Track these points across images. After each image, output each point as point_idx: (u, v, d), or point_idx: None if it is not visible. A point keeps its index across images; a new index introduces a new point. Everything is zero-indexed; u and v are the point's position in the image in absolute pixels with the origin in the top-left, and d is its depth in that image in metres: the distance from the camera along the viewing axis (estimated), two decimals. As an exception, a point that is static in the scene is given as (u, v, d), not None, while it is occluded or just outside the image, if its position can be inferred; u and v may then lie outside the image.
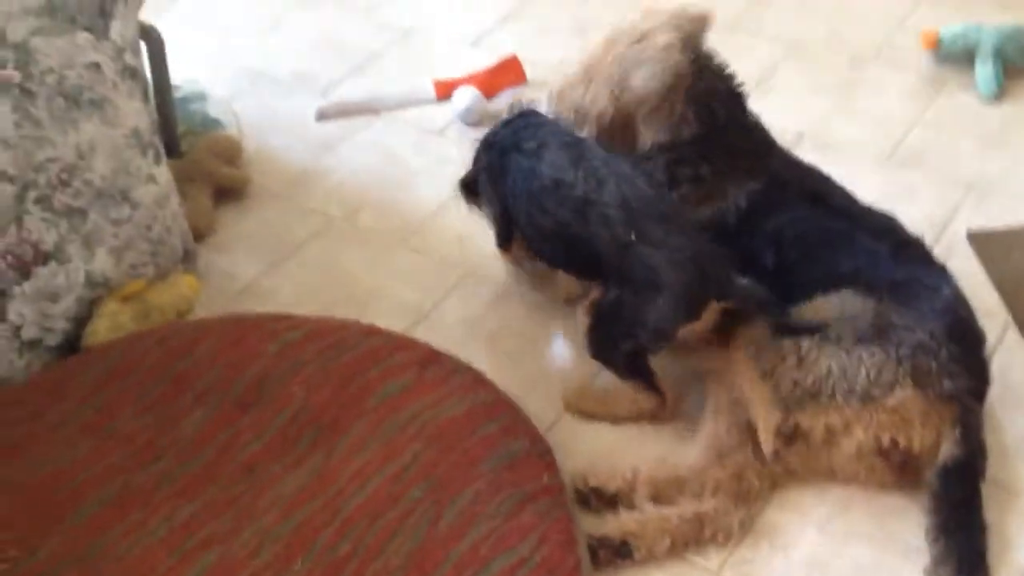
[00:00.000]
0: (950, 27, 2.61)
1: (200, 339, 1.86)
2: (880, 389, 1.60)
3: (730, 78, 1.95)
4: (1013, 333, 1.93)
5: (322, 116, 2.60)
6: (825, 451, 1.66)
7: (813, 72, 2.63)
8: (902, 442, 1.60)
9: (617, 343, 1.74)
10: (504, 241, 2.00)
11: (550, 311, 2.06)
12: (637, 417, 1.82)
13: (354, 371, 1.79)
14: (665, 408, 1.81)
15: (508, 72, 2.66)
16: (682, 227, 1.71)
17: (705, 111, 1.89)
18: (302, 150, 2.50)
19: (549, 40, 2.83)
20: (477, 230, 2.25)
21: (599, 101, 1.95)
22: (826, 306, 1.71)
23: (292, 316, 1.93)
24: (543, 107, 2.07)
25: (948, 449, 1.58)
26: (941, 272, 1.79)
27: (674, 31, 1.90)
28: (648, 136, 1.95)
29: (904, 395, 1.59)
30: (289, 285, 2.15)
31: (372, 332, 1.88)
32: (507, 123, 1.98)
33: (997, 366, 1.77)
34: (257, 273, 2.18)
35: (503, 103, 2.56)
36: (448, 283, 2.14)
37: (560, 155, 1.81)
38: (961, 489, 1.58)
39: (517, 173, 1.86)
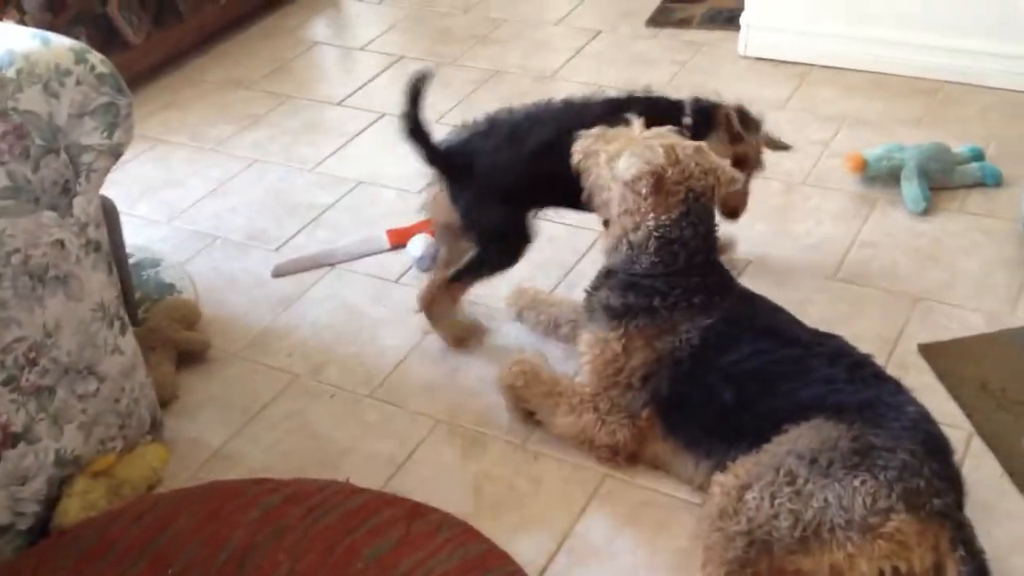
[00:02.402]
0: (873, 150, 2.76)
1: (176, 512, 1.82)
2: (877, 517, 1.60)
3: (710, 232, 2.01)
4: (977, 442, 1.99)
5: (278, 273, 2.62)
6: None
7: (753, 198, 2.74)
8: (903, 568, 1.60)
9: None
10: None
11: (527, 453, 2.07)
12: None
13: (339, 533, 1.76)
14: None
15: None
16: None
17: (668, 253, 1.96)
18: (261, 309, 2.51)
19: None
20: (444, 377, 2.27)
21: (602, 166, 2.02)
22: (804, 435, 1.73)
23: (270, 479, 1.90)
24: None
25: (958, 570, 1.60)
26: (898, 388, 1.85)
27: (690, 161, 1.97)
28: (614, 234, 2.01)
29: (900, 520, 1.60)
30: (258, 448, 2.13)
31: (354, 491, 1.86)
32: None
33: (967, 477, 1.81)
34: (224, 438, 2.15)
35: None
36: (421, 432, 2.14)
37: None
38: None
39: None
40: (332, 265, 2.63)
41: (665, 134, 2.00)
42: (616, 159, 1.97)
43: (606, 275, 2.05)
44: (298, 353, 2.37)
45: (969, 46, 3.13)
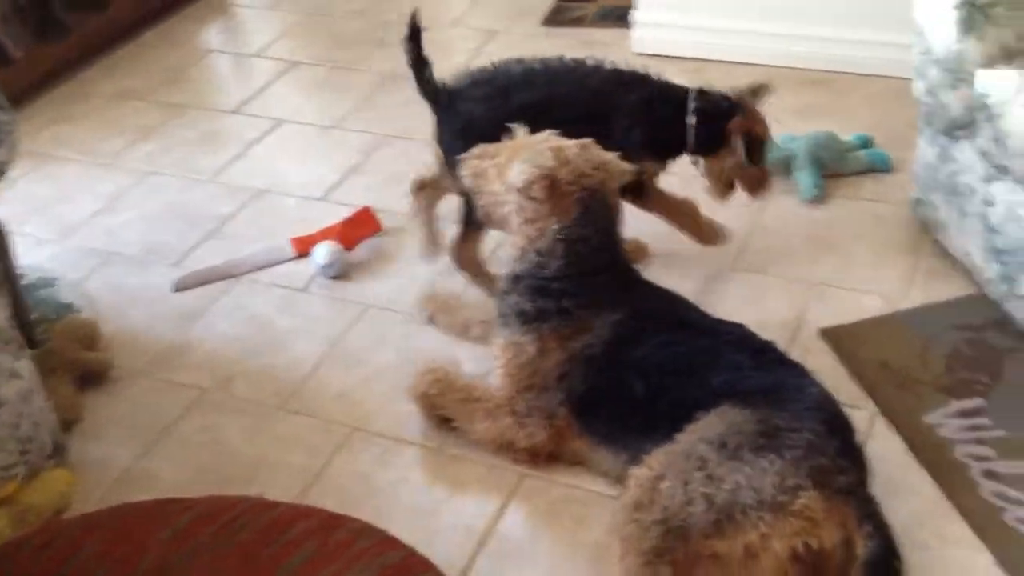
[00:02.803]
0: (767, 141, 2.83)
1: (84, 538, 1.75)
2: (786, 495, 1.64)
3: (611, 227, 2.04)
4: (881, 422, 2.06)
5: (180, 287, 2.56)
6: (743, 570, 1.69)
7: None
8: (814, 544, 1.65)
9: None
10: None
11: (443, 457, 2.06)
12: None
13: (255, 548, 1.72)
14: None
15: (363, 223, 2.70)
16: None
17: (574, 254, 1.97)
18: (163, 325, 2.45)
19: (398, 188, 2.89)
20: (357, 384, 2.24)
21: (495, 180, 2.03)
22: (713, 422, 1.77)
23: (181, 499, 1.84)
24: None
25: (865, 544, 1.65)
26: (801, 371, 1.91)
27: (581, 161, 1.98)
28: (519, 244, 2.02)
29: (808, 497, 1.65)
30: (169, 466, 2.08)
31: (268, 505, 1.82)
32: None
33: (871, 455, 1.87)
34: (133, 458, 2.10)
35: (363, 254, 2.63)
36: (335, 441, 2.11)
37: None
38: None
39: None
40: (236, 276, 2.59)
41: (550, 137, 2.02)
42: (506, 170, 1.99)
43: (515, 280, 2.05)
44: (205, 367, 2.32)
45: (855, 36, 3.24)
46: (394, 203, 2.82)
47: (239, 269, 2.60)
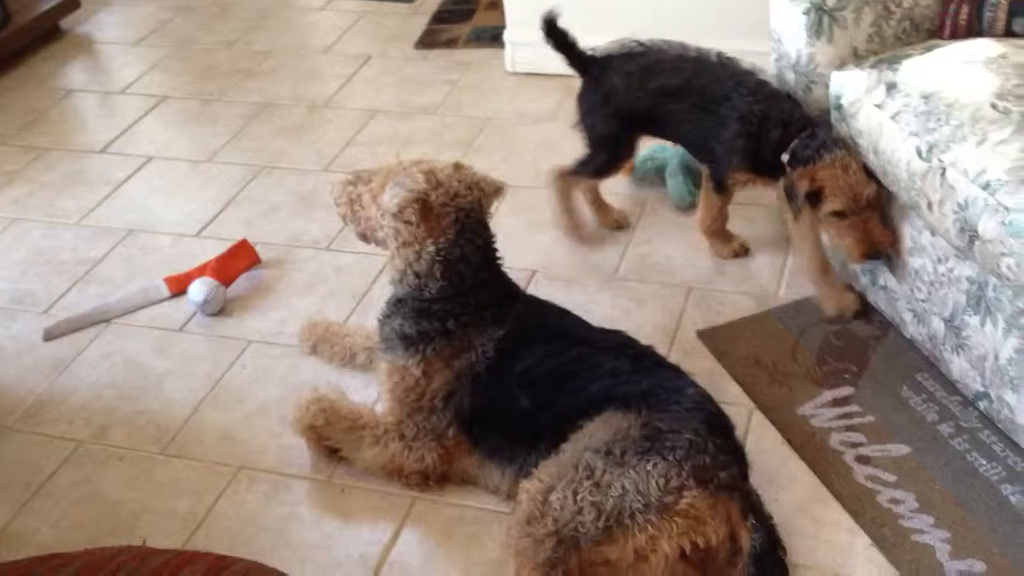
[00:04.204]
0: (639, 152, 2.89)
1: (-46, 605, 1.67)
2: (671, 496, 1.68)
3: (489, 248, 2.04)
4: (759, 417, 2.11)
5: (49, 336, 2.47)
6: (634, 574, 1.71)
7: (530, 211, 2.82)
8: (701, 543, 1.68)
9: None
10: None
11: (333, 488, 2.04)
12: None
13: (139, 600, 1.67)
14: None
15: (241, 256, 2.65)
16: None
17: (454, 274, 1.98)
18: (34, 376, 2.36)
19: (275, 217, 2.87)
20: (240, 422, 2.20)
21: (370, 205, 2.03)
22: (598, 429, 1.79)
23: (58, 554, 1.77)
24: None
25: (750, 536, 1.70)
26: (678, 373, 1.95)
27: (453, 181, 1.98)
28: (398, 268, 2.01)
29: (692, 496, 1.68)
30: (46, 523, 2.00)
31: (150, 552, 1.76)
32: None
33: (750, 449, 1.92)
34: (8, 517, 2.01)
35: (242, 288, 2.58)
36: (220, 483, 2.06)
37: None
38: (775, 569, 1.71)
39: None
40: (108, 321, 2.51)
41: (420, 160, 2.03)
42: (380, 195, 1.98)
43: (396, 304, 2.05)
44: (79, 418, 2.24)
45: (723, 46, 3.31)
46: (272, 234, 2.78)
47: (111, 313, 2.53)
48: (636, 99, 2.46)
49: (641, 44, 2.52)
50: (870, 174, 2.16)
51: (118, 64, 3.85)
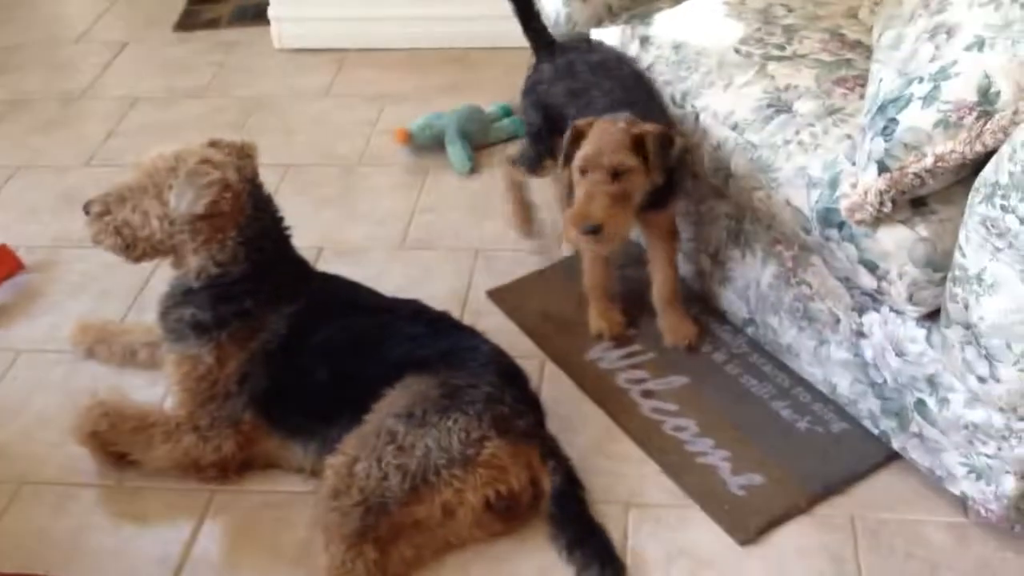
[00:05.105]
0: (416, 121, 2.90)
1: None
2: (473, 448, 1.73)
3: (279, 217, 2.00)
4: (551, 367, 2.18)
5: None
6: (443, 529, 1.75)
7: (312, 189, 2.77)
8: (504, 490, 1.74)
9: None
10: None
11: (124, 492, 1.95)
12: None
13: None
14: None
15: (1, 263, 2.48)
16: None
17: (256, 250, 1.92)
18: None
19: (35, 219, 2.70)
20: (17, 436, 2.07)
21: (149, 223, 1.90)
22: (399, 395, 1.80)
23: None
24: None
25: (551, 480, 1.78)
26: (472, 333, 1.99)
27: (226, 157, 1.91)
28: (196, 265, 1.92)
29: (493, 445, 1.74)
30: None
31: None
32: None
33: (546, 397, 1.99)
34: None
35: (6, 296, 2.43)
36: (1, 502, 1.94)
37: None
38: (575, 506, 1.79)
39: None
40: None
41: (178, 154, 1.90)
42: (160, 207, 1.88)
43: (186, 293, 1.95)
44: None
45: (489, 12, 3.35)
46: (34, 237, 2.62)
47: None
48: (549, 99, 2.21)
49: (588, 42, 2.30)
50: (658, 165, 1.92)
51: None
